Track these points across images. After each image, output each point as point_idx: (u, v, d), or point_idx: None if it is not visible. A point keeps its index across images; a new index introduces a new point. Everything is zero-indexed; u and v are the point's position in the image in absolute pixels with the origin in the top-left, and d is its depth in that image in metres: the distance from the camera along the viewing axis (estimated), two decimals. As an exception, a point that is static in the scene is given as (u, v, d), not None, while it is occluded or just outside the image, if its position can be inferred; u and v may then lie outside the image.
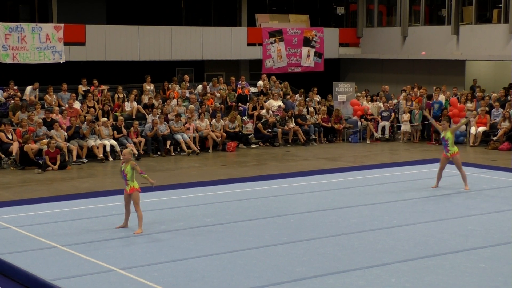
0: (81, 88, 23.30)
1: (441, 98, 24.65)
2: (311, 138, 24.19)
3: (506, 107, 23.23)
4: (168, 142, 21.69)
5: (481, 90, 26.18)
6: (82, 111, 21.72)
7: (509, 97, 24.10)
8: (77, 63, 24.93)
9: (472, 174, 16.61)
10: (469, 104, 24.29)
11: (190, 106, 23.22)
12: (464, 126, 23.43)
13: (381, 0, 31.95)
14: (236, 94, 25.36)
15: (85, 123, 20.73)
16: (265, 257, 10.52)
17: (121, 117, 21.68)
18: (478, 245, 11.12)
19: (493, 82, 28.36)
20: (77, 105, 22.02)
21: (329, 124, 24.77)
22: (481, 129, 23.18)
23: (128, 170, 11.94)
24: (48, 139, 19.52)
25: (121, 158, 12.37)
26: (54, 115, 20.97)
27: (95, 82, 23.41)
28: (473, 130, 23.20)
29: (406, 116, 24.48)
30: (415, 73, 29.65)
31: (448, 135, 15.53)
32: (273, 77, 26.80)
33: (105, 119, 21.33)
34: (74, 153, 19.98)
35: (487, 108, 23.68)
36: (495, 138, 22.75)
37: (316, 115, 24.94)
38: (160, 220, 12.86)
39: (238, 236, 11.71)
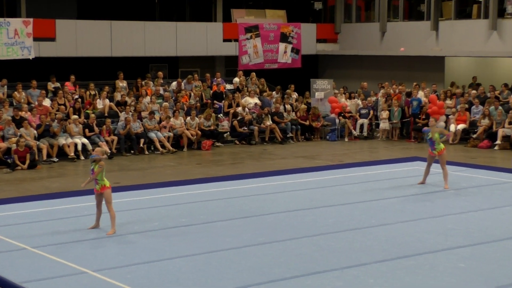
0: (51, 85, 23.15)
1: (420, 95, 24.82)
2: (288, 136, 24.25)
3: (485, 104, 23.45)
4: (142, 140, 21.64)
5: (475, 85, 26.30)
6: (52, 108, 21.58)
7: (488, 94, 24.33)
8: (47, 59, 24.75)
9: (451, 172, 16.73)
10: (448, 101, 24.49)
11: (164, 103, 23.17)
12: (443, 123, 23.63)
13: (360, -5, 32.12)
14: (212, 91, 25.35)
15: (56, 121, 20.61)
16: (241, 258, 10.55)
17: (92, 115, 21.58)
18: (458, 244, 11.22)
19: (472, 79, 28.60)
20: (47, 102, 21.89)
21: (307, 122, 24.84)
22: (461, 126, 23.39)
23: (97, 168, 11.91)
24: (17, 137, 19.37)
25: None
26: (23, 112, 20.81)
27: (72, 77, 23.32)
28: (452, 127, 23.39)
29: (385, 114, 24.61)
30: (394, 69, 29.80)
31: (436, 136, 15.69)
32: (253, 74, 26.78)
33: (76, 116, 21.21)
34: (44, 152, 19.87)
35: (466, 105, 23.89)
36: (474, 136, 22.96)
37: (293, 112, 24.99)
38: (134, 220, 12.83)
39: (213, 237, 11.72)
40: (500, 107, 23.00)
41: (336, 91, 26.49)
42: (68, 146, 20.28)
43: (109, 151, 20.75)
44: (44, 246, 11.16)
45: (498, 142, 22.23)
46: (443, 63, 28.64)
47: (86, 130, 21.03)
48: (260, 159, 20.78)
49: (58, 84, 23.19)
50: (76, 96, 22.68)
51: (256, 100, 25.01)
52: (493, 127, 22.73)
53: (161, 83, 24.72)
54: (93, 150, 19.95)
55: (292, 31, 29.08)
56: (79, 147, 20.43)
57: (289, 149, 22.67)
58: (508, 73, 28.00)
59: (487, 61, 29.12)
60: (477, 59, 28.97)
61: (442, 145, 15.80)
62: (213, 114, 23.59)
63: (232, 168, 19.10)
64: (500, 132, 22.27)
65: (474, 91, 24.86)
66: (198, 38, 27.61)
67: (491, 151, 21.96)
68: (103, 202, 12.03)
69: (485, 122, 22.91)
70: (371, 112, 25.23)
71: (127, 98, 23.14)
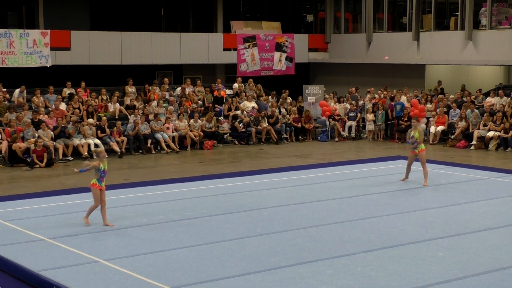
0: (66, 91, 23.10)
1: (403, 99, 24.82)
2: (282, 137, 24.22)
3: (462, 108, 23.46)
4: (149, 141, 21.61)
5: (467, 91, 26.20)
6: (68, 112, 21.54)
7: (465, 99, 24.34)
8: (62, 67, 24.72)
9: (431, 170, 16.72)
10: (429, 105, 24.49)
11: (170, 107, 23.15)
12: (424, 126, 23.64)
13: (348, 8, 32.08)
14: (213, 96, 25.32)
15: (71, 123, 20.58)
16: (240, 248, 10.53)
17: (104, 118, 21.54)
18: (437, 235, 11.22)
19: (450, 85, 28.61)
20: (63, 106, 21.85)
21: (299, 124, 24.82)
22: (440, 128, 23.40)
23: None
24: (36, 138, 19.34)
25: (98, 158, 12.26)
26: (41, 115, 20.78)
27: (83, 84, 23.29)
28: (432, 129, 23.41)
29: (370, 116, 24.61)
30: (379, 76, 29.82)
31: (416, 134, 15.67)
32: (251, 80, 26.78)
33: (91, 120, 21.21)
34: (60, 152, 19.84)
35: (445, 109, 23.89)
36: (452, 137, 22.97)
37: (288, 115, 24.97)
38: (142, 214, 12.80)
39: (214, 229, 11.70)
40: (475, 111, 23.02)
41: (327, 96, 26.48)
42: (82, 146, 20.25)
43: (119, 151, 20.76)
44: (60, 237, 11.13)
45: (474, 142, 22.25)
46: (424, 70, 28.67)
47: (98, 132, 21.00)
48: (257, 158, 20.76)
49: (73, 90, 23.17)
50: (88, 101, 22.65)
51: (253, 104, 24.99)
52: (469, 129, 22.74)
53: (167, 88, 24.69)
54: (105, 150, 19.99)
55: (286, 41, 29.06)
56: (92, 147, 20.39)
57: (284, 149, 22.65)
58: (482, 80, 28.04)
59: (463, 68, 29.16)
60: (454, 66, 29.01)
61: (422, 145, 15.77)
62: (214, 117, 23.56)
63: (231, 166, 19.07)
64: (476, 133, 22.28)
65: (452, 96, 24.90)
66: (201, 47, 27.62)
67: (467, 150, 21.97)
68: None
69: (462, 124, 22.92)
70: (359, 115, 25.21)
71: (135, 102, 23.11)
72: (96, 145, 20.48)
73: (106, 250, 10.43)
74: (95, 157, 12.24)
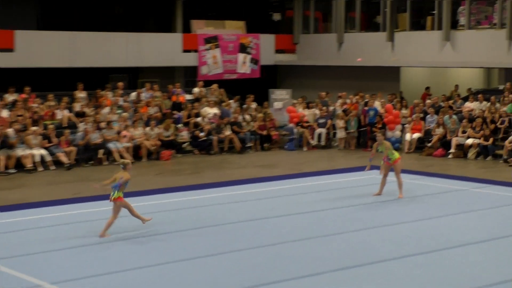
0: (7, 97, 22.70)
1: (377, 104, 24.92)
2: (247, 146, 24.15)
3: (439, 113, 23.62)
4: (101, 151, 21.36)
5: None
6: (11, 119, 21.18)
7: (442, 104, 24.52)
8: (5, 70, 24.38)
9: (407, 181, 16.77)
10: (404, 111, 24.64)
11: (123, 114, 22.93)
12: (399, 133, 23.77)
13: (317, 7, 32.21)
14: (171, 102, 25.16)
15: (13, 132, 20.24)
16: (197, 269, 10.42)
17: (51, 126, 21.24)
18: (412, 252, 11.23)
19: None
20: (4, 113, 21.49)
21: (265, 132, 24.76)
22: (416, 135, 23.52)
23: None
24: (-26, 149, 19.00)
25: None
26: (-19, 124, 20.43)
27: (27, 89, 22.95)
28: (408, 136, 23.51)
29: (341, 123, 24.62)
30: (351, 79, 29.96)
31: (382, 148, 15.76)
32: (216, 85, 26.58)
33: (36, 128, 20.88)
34: (2, 164, 19.50)
35: (421, 115, 24.03)
36: (429, 145, 23.11)
37: (253, 122, 24.90)
38: (91, 232, 12.59)
39: (170, 248, 11.57)
40: (454, 116, 23.19)
41: (295, 101, 26.47)
42: (26, 158, 19.92)
43: (68, 162, 20.47)
44: (1, 259, 10.87)
45: (452, 150, 22.41)
46: (399, 73, 28.89)
47: (45, 141, 20.69)
48: (220, 169, 20.64)
49: (16, 96, 22.80)
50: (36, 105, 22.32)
51: (215, 110, 24.87)
52: (447, 136, 22.91)
53: (121, 93, 24.46)
54: (52, 161, 19.76)
55: (251, 42, 29.11)
56: (37, 159, 20.07)
57: (248, 159, 22.59)
58: (460, 83, 28.32)
59: (440, 71, 29.46)
60: (431, 69, 29.30)
61: (397, 155, 15.83)
62: (172, 124, 23.39)
63: (191, 178, 18.94)
64: (454, 141, 22.45)
65: (429, 101, 25.05)
66: (158, 48, 27.48)
67: (445, 159, 22.13)
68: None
69: (440, 131, 23.06)
70: (329, 121, 25.23)
71: (86, 109, 22.85)
72: (41, 156, 20.13)
73: (51, 271, 10.21)
74: (121, 168, 12.25)
